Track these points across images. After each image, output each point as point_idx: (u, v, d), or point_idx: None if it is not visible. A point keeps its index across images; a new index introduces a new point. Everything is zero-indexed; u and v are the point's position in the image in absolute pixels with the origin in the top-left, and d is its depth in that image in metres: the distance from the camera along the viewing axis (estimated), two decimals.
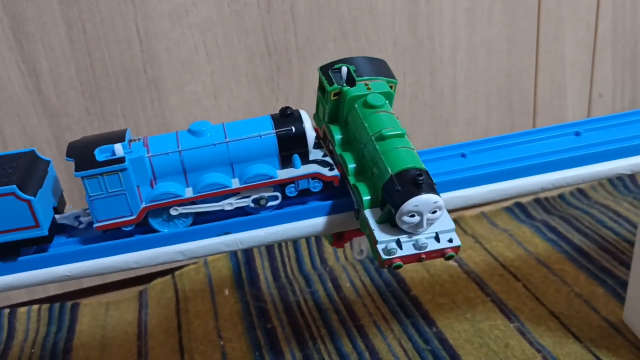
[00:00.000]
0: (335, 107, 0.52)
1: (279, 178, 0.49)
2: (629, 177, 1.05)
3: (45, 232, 0.47)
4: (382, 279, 0.86)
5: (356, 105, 0.50)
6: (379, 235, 0.44)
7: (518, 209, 1.01)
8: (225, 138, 0.48)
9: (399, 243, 0.44)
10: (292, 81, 0.87)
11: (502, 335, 0.74)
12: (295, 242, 0.94)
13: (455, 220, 1.01)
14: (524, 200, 1.03)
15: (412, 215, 0.43)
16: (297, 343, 0.77)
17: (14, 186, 0.45)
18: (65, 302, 0.89)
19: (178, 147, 0.48)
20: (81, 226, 0.51)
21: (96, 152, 0.46)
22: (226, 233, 0.48)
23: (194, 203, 0.49)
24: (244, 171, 0.49)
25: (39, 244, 0.48)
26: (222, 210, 0.49)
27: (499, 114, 0.99)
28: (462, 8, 0.90)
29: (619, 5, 0.98)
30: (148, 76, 0.81)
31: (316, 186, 0.50)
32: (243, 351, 0.76)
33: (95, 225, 0.47)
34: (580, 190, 1.04)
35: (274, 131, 0.49)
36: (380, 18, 0.87)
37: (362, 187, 0.47)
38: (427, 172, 0.45)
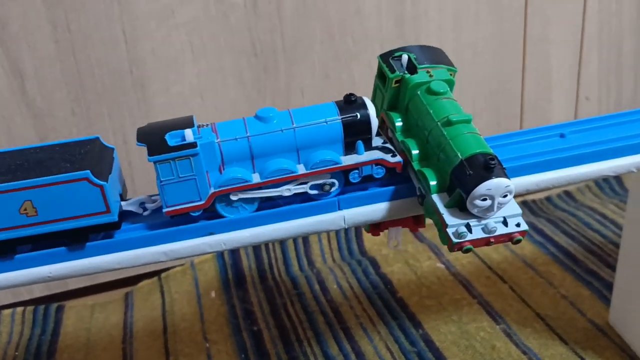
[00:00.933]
0: (396, 95, 0.52)
1: (343, 164, 0.49)
2: (615, 180, 1.06)
3: (115, 218, 0.47)
4: (369, 281, 0.86)
5: (419, 92, 0.50)
6: (449, 219, 0.45)
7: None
8: (292, 124, 0.48)
9: (468, 227, 0.44)
10: (278, 82, 0.86)
11: (489, 337, 0.74)
12: (282, 244, 0.94)
13: None
14: None
15: (484, 199, 0.44)
16: (283, 345, 0.76)
17: (88, 171, 0.45)
18: (50, 304, 0.88)
19: (246, 133, 0.48)
20: (145, 213, 0.51)
21: (167, 137, 0.46)
22: (210, 233, 0.48)
23: (259, 189, 0.49)
24: (310, 157, 0.49)
25: (108, 230, 0.48)
26: (282, 197, 0.49)
27: (486, 116, 0.99)
28: (448, 10, 0.90)
29: (604, 9, 0.98)
30: (134, 77, 0.81)
31: (379, 172, 0.50)
32: (229, 353, 0.76)
33: (165, 210, 0.47)
34: (567, 193, 1.05)
35: (340, 117, 0.49)
36: (367, 20, 0.87)
37: (429, 173, 0.47)
38: (497, 157, 0.45)
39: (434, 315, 0.78)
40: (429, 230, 0.99)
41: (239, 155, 0.48)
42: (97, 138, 0.50)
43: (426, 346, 0.73)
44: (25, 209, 0.45)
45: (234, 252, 0.92)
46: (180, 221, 0.48)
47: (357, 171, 0.50)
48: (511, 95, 0.99)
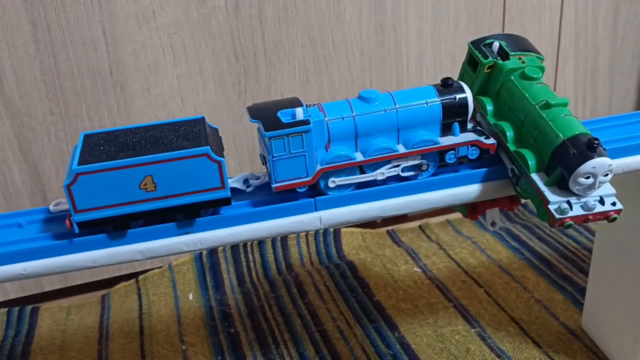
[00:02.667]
0: (486, 80, 0.55)
1: (441, 144, 0.51)
2: None
3: (229, 194, 0.48)
4: (347, 284, 0.86)
5: (512, 78, 0.53)
6: (551, 196, 0.48)
7: (482, 217, 1.02)
8: (395, 105, 0.50)
9: (569, 204, 0.47)
10: (259, 86, 0.87)
11: (463, 340, 0.75)
12: (260, 246, 0.94)
13: (420, 227, 1.02)
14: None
15: (587, 177, 0.47)
16: (260, 347, 0.76)
17: (209, 147, 0.46)
18: (24, 306, 0.87)
19: (352, 113, 0.50)
20: (249, 189, 0.52)
21: (279, 114, 0.48)
22: (186, 233, 0.48)
23: (360, 167, 0.50)
24: (409, 137, 0.51)
25: (219, 206, 0.49)
26: (376, 180, 0.51)
27: None
28: (428, 18, 0.91)
29: (580, 20, 1.00)
30: (114, 78, 0.81)
31: (474, 153, 0.52)
32: (205, 355, 0.76)
33: (274, 185, 0.49)
34: None
35: (440, 99, 0.51)
36: (347, 26, 0.87)
37: (527, 153, 0.50)
38: (597, 138, 0.48)
39: (410, 319, 0.79)
40: (406, 234, 1.00)
41: (344, 134, 0.50)
42: (203, 118, 0.51)
43: (402, 349, 0.74)
44: (145, 184, 0.46)
45: (213, 255, 0.92)
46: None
47: (453, 152, 0.52)
48: None
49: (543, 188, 0.48)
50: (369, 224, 1.02)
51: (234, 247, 0.94)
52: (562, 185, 0.48)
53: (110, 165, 0.45)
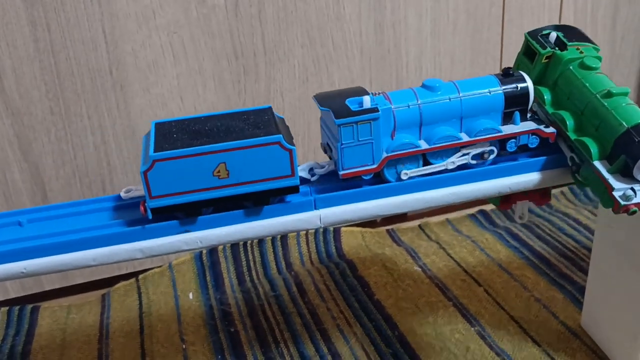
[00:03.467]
0: (544, 70, 0.56)
1: (504, 133, 0.52)
2: None
3: (298, 182, 0.49)
4: (347, 283, 0.86)
5: (571, 67, 0.54)
6: (615, 183, 0.49)
7: (482, 216, 1.03)
8: (459, 93, 0.51)
9: (633, 190, 0.48)
10: (258, 85, 0.87)
11: (463, 339, 0.75)
12: (260, 245, 0.94)
13: (419, 227, 1.02)
14: (487, 208, 1.05)
15: None
16: (260, 346, 0.76)
17: (281, 136, 0.47)
18: (25, 305, 0.87)
19: (417, 101, 0.51)
20: (314, 178, 0.52)
21: (347, 102, 0.49)
22: (186, 231, 0.48)
23: (424, 156, 0.51)
24: (472, 125, 0.52)
25: (288, 194, 0.49)
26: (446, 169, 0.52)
27: None
28: (427, 17, 0.91)
29: (579, 20, 1.00)
30: (113, 77, 0.81)
31: (534, 142, 0.53)
32: (205, 354, 0.76)
33: (341, 172, 0.49)
34: None
35: (502, 88, 0.52)
36: (347, 25, 0.88)
37: (589, 141, 0.50)
38: None
39: (410, 317, 0.79)
40: (406, 233, 1.00)
41: (409, 122, 0.51)
42: (270, 107, 0.52)
43: (402, 347, 0.74)
44: (218, 171, 0.47)
45: (213, 254, 0.93)
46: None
47: (514, 140, 0.53)
48: None
49: (607, 175, 0.49)
50: (369, 223, 1.03)
51: (234, 246, 0.94)
52: (625, 173, 0.49)
53: (187, 152, 0.46)
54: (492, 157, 0.52)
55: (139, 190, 0.50)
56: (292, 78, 0.88)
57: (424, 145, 0.51)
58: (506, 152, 0.54)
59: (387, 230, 1.01)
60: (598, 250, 0.70)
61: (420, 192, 0.52)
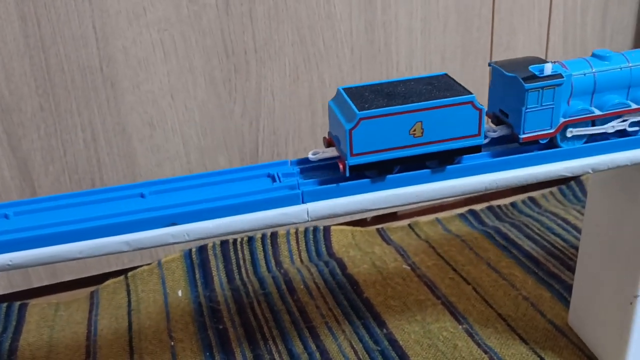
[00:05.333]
0: None
1: None
2: (578, 187, 1.08)
3: (482, 141, 0.51)
4: (336, 282, 0.86)
5: None
6: None
7: (471, 215, 1.03)
8: (628, 63, 0.54)
9: None
10: (249, 83, 0.87)
11: (451, 336, 0.75)
12: (250, 243, 0.94)
13: (409, 226, 1.02)
14: (477, 207, 1.05)
15: None
16: (249, 343, 0.76)
17: (474, 96, 0.49)
18: (13, 302, 0.87)
19: (592, 69, 0.54)
20: (486, 141, 0.54)
21: (531, 68, 0.51)
22: (173, 224, 0.48)
23: (593, 122, 0.54)
24: (637, 95, 0.55)
25: (470, 153, 0.52)
26: (606, 133, 0.55)
27: None
28: (417, 16, 0.92)
29: (569, 20, 1.01)
30: (104, 74, 0.81)
31: None
32: (193, 351, 0.76)
33: (522, 136, 0.52)
34: (531, 199, 1.07)
35: None
36: (338, 24, 0.88)
37: None
38: None
39: (398, 315, 0.79)
40: (396, 232, 1.00)
41: (584, 89, 0.54)
42: (446, 74, 0.54)
43: (390, 345, 0.74)
44: (414, 130, 0.49)
45: (202, 252, 0.92)
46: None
47: None
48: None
49: None
50: (359, 222, 1.03)
51: (224, 244, 0.94)
52: None
53: (390, 110, 0.48)
54: None
55: (326, 152, 0.52)
56: (283, 76, 0.88)
57: (596, 111, 0.54)
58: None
59: (377, 229, 1.01)
60: (585, 250, 0.71)
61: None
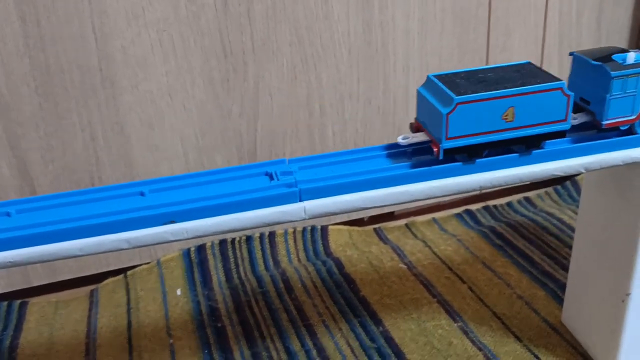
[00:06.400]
0: None
1: None
2: (573, 187, 1.09)
3: (569, 126, 0.53)
4: (333, 280, 0.87)
5: None
6: None
7: (467, 215, 1.04)
8: None
9: None
10: (247, 83, 0.88)
11: (446, 334, 0.76)
12: (248, 243, 0.95)
13: (406, 225, 1.03)
14: (473, 207, 1.06)
15: None
16: (247, 341, 0.77)
17: (563, 82, 0.51)
18: (13, 300, 0.88)
19: None
20: (575, 122, 0.56)
21: (614, 57, 0.54)
22: (172, 222, 0.49)
23: None
24: None
25: (555, 138, 0.54)
26: None
27: None
28: (414, 17, 0.92)
29: (565, 21, 1.02)
30: (103, 74, 0.82)
31: None
32: (192, 349, 0.77)
33: (605, 122, 0.54)
34: (527, 199, 1.08)
35: None
36: (335, 24, 0.89)
37: None
38: None
39: (394, 314, 0.80)
40: (393, 232, 1.01)
41: None
42: (529, 62, 0.56)
43: (386, 342, 0.75)
44: (506, 115, 0.51)
45: (201, 251, 0.93)
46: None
47: None
48: None
49: None
50: (357, 221, 1.04)
51: (222, 243, 0.94)
52: None
53: (486, 95, 0.50)
54: None
55: (416, 137, 0.54)
56: (281, 77, 0.89)
57: None
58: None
59: (374, 229, 1.02)
60: (578, 249, 0.71)
61: None
